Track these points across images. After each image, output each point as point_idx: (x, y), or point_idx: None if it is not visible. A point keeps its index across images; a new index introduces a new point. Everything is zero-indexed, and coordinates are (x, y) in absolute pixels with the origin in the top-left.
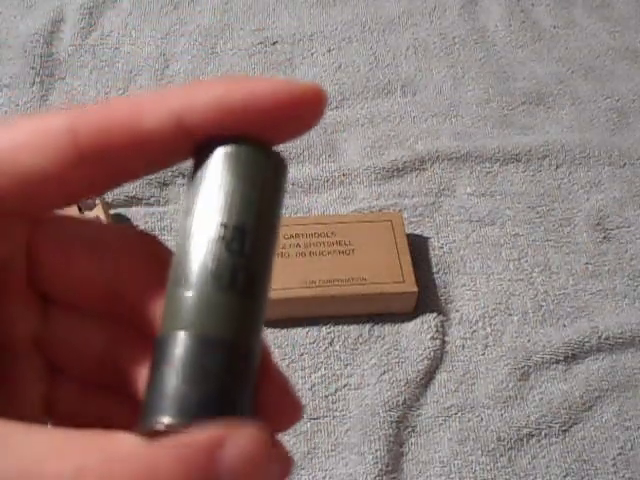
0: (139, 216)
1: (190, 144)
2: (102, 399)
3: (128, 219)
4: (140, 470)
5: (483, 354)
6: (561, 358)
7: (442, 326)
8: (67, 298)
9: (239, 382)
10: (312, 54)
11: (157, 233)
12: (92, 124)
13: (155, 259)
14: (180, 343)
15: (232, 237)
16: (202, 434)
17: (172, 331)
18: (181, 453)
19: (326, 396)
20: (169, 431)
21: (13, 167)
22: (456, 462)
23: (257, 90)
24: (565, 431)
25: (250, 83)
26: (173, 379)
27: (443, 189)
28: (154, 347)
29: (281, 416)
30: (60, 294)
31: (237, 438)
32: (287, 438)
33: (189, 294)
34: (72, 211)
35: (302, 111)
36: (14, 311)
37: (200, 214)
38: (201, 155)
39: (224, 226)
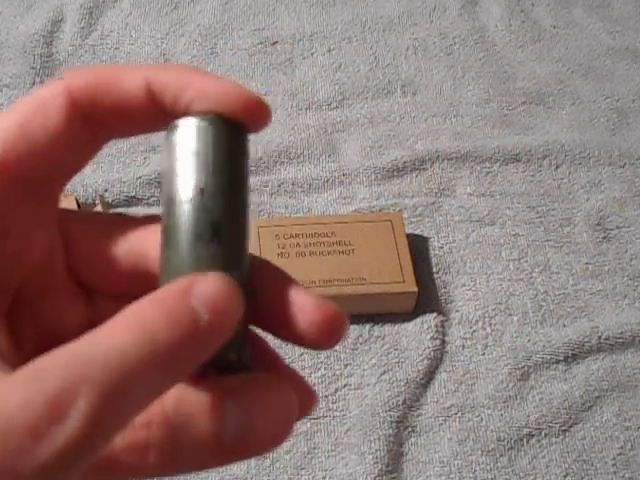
0: None
1: (161, 112)
2: None
3: None
4: (131, 321)
5: (483, 354)
6: (561, 358)
7: (442, 326)
8: (103, 285)
9: None
10: (312, 54)
11: None
12: (82, 83)
13: None
14: None
15: (199, 197)
16: (173, 284)
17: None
18: (158, 296)
19: (326, 396)
20: None
21: (28, 136)
22: (456, 462)
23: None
24: (565, 431)
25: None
26: None
27: (443, 189)
28: None
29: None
30: (96, 282)
31: (204, 281)
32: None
33: (175, 251)
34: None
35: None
36: (62, 303)
37: (171, 182)
38: (172, 129)
39: (193, 189)
